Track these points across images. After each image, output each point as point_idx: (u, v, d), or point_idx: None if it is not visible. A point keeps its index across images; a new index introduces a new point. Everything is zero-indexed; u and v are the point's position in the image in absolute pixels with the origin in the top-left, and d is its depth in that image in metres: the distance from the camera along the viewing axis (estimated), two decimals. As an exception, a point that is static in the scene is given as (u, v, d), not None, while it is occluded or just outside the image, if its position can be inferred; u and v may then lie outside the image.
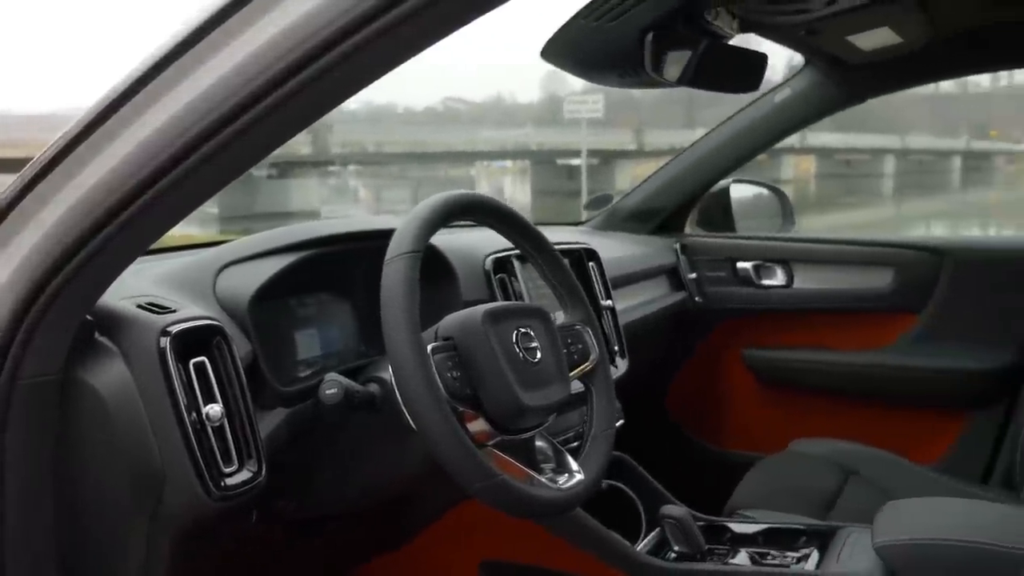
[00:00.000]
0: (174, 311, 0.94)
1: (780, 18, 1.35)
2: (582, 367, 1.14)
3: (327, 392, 0.97)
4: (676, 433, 2.26)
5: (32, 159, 0.81)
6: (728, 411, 2.21)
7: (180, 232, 0.96)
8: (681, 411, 2.26)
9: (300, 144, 24.59)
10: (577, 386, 1.13)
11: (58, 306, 0.81)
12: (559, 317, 1.18)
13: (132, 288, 0.98)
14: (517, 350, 1.02)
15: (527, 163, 31.72)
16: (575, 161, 25.81)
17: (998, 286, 1.96)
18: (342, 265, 1.17)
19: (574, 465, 1.06)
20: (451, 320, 1.02)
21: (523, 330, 1.04)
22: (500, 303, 1.06)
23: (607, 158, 26.18)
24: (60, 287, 0.80)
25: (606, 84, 1.42)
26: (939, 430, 2.01)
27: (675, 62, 1.26)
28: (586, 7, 1.22)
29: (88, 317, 0.88)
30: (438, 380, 0.91)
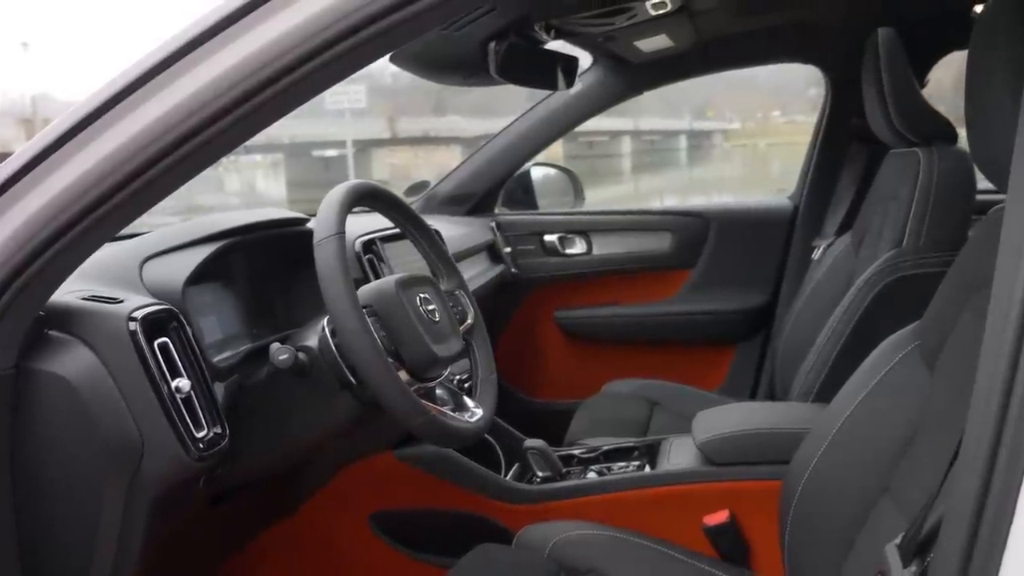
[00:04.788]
0: (122, 301, 1.04)
1: (590, 30, 1.63)
2: (464, 325, 1.36)
3: (280, 358, 1.11)
4: (504, 391, 2.53)
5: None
6: (546, 366, 2.52)
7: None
8: (506, 371, 2.53)
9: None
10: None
11: (18, 304, 0.90)
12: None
13: None
14: (423, 312, 1.22)
15: (280, 156, 30.73)
16: (330, 152, 25.42)
17: (752, 241, 2.42)
18: (247, 253, 1.30)
19: (472, 403, 1.29)
20: (367, 290, 1.20)
21: (423, 295, 1.24)
22: (404, 274, 1.24)
23: (363, 147, 26.03)
24: (22, 286, 0.89)
25: (451, 84, 1.62)
26: (717, 361, 2.45)
27: (513, 66, 1.50)
28: None
29: (40, 313, 0.96)
30: (378, 340, 1.10)
